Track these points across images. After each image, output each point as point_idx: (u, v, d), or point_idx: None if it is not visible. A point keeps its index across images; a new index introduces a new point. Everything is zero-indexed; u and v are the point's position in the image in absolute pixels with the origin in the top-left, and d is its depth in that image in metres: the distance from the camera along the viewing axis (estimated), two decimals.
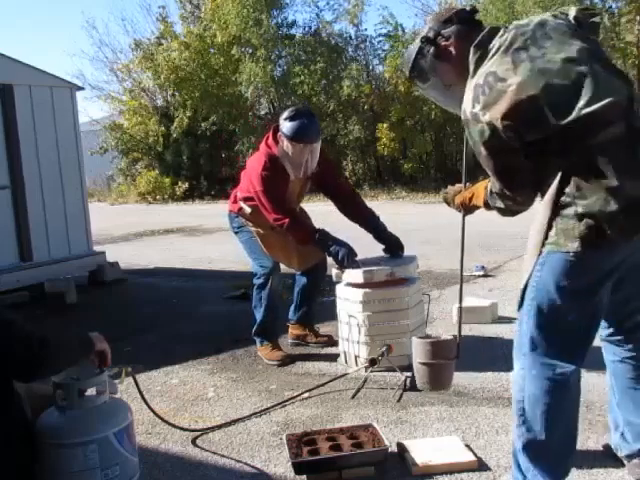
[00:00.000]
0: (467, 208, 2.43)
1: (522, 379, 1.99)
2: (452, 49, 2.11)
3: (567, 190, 1.85)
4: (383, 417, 2.87)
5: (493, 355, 3.53)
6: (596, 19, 2.03)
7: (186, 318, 5.04)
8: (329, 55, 17.95)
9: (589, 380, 3.12)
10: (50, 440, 1.94)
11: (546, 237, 1.90)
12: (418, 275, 3.69)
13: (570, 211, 1.84)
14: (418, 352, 2.76)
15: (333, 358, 3.76)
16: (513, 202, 2.04)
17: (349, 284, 3.54)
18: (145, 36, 21.73)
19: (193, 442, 2.77)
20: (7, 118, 5.85)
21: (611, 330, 2.17)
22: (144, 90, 21.10)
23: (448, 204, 2.55)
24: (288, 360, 3.76)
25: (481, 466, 2.37)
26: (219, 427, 2.90)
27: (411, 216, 10.84)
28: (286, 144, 3.57)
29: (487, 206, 2.22)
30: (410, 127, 17.45)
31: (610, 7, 14.24)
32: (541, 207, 1.92)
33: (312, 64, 17.49)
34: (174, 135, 19.32)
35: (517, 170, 1.95)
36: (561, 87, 1.83)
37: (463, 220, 2.55)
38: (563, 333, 1.94)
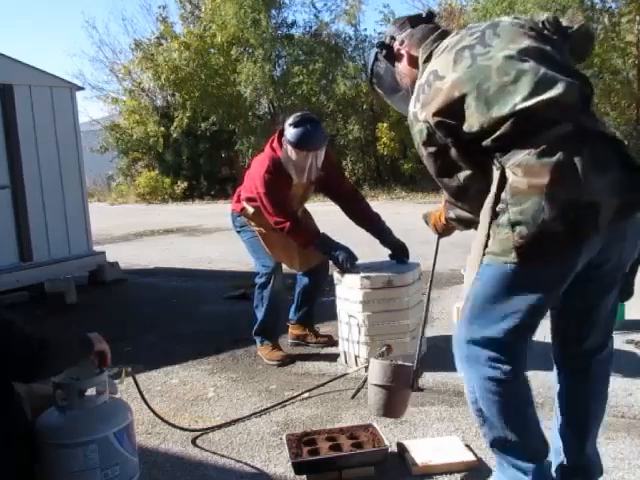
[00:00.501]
0: (441, 228, 2.40)
1: (469, 382, 1.90)
2: (405, 53, 2.08)
3: (502, 196, 1.74)
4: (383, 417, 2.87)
5: None
6: (573, 25, 1.91)
7: (186, 318, 5.04)
8: (328, 55, 17.95)
9: None
10: (50, 440, 1.94)
11: (486, 247, 1.80)
12: (418, 276, 3.68)
13: (504, 219, 1.72)
14: (371, 373, 2.57)
15: (333, 358, 3.76)
16: (463, 210, 1.99)
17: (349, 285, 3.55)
18: (145, 36, 21.75)
19: (193, 442, 2.77)
20: (7, 118, 5.85)
21: (562, 353, 2.03)
22: (144, 90, 21.10)
23: (427, 224, 2.52)
24: (288, 360, 3.75)
25: (481, 466, 2.37)
26: (219, 427, 2.90)
27: (411, 216, 10.84)
28: (290, 150, 3.56)
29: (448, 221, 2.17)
30: None
31: (610, 7, 14.23)
32: (481, 216, 1.84)
33: (311, 64, 17.50)
34: (174, 135, 19.32)
35: (458, 173, 1.88)
36: (498, 84, 1.75)
37: (437, 242, 2.52)
38: (501, 341, 1.82)
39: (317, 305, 4.23)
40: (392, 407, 2.51)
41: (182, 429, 2.84)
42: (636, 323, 3.99)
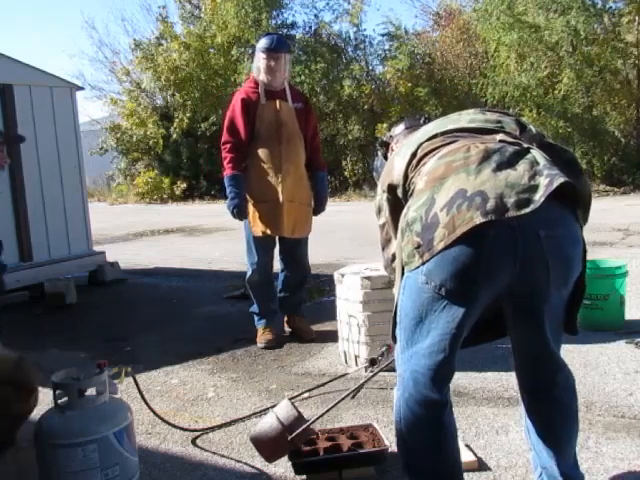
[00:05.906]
0: None
1: (397, 409, 1.87)
2: (396, 148, 2.22)
3: (409, 201, 1.77)
4: (383, 417, 2.87)
5: (493, 355, 3.53)
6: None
7: (186, 318, 5.04)
8: (330, 55, 17.95)
9: (589, 380, 3.13)
10: (50, 440, 1.94)
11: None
12: None
13: (404, 221, 1.72)
14: (278, 407, 2.46)
15: (333, 358, 3.76)
16: (395, 282, 2.02)
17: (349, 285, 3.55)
18: (145, 36, 21.69)
19: (193, 442, 2.76)
20: (7, 118, 5.84)
21: (519, 386, 1.98)
22: (144, 91, 21.07)
23: None
24: (272, 345, 3.97)
25: (481, 466, 2.37)
26: (219, 427, 2.90)
27: None
28: (259, 58, 3.95)
29: None
30: None
31: (610, 7, 14.21)
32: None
33: (312, 64, 17.50)
34: (174, 136, 19.29)
35: (390, 247, 2.02)
36: (424, 130, 1.95)
37: None
38: (426, 364, 1.77)
39: (317, 305, 4.24)
40: (264, 443, 2.40)
41: (182, 429, 2.84)
42: (636, 323, 3.99)
